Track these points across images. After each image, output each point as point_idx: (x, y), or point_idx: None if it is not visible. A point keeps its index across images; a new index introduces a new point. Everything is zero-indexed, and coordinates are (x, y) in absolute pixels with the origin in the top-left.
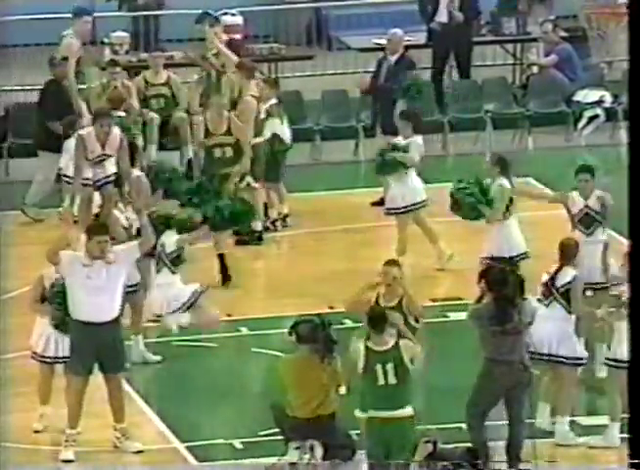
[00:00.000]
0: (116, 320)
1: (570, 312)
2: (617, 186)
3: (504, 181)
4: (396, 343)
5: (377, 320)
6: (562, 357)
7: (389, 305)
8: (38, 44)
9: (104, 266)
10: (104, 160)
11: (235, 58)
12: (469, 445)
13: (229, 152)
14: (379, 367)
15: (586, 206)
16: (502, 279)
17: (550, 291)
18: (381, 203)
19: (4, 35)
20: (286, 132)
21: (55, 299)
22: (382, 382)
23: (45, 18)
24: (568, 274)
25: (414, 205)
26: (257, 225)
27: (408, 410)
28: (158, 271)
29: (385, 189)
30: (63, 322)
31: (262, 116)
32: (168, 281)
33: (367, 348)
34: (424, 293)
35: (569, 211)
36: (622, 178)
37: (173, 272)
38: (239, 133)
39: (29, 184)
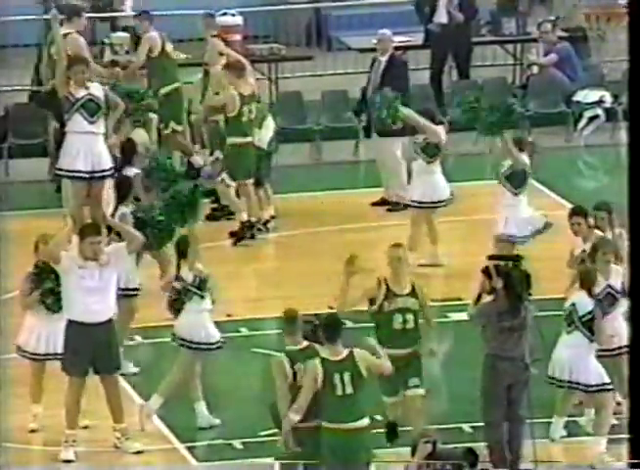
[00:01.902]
0: (110, 321)
1: (592, 341)
2: (617, 186)
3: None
4: (350, 352)
5: (332, 329)
6: (582, 385)
7: (404, 293)
8: (38, 44)
9: (97, 268)
10: (91, 100)
11: (227, 51)
12: (468, 445)
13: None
14: (336, 377)
15: (583, 251)
16: (508, 275)
17: (572, 319)
18: (381, 203)
19: (4, 35)
20: (263, 137)
21: (41, 281)
22: (340, 392)
23: (46, 18)
24: (588, 303)
25: (435, 202)
26: (243, 216)
27: (365, 421)
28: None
29: (384, 185)
30: (52, 303)
31: (252, 116)
32: (197, 308)
33: (323, 359)
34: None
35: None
36: (622, 178)
37: (202, 298)
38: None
39: (29, 184)
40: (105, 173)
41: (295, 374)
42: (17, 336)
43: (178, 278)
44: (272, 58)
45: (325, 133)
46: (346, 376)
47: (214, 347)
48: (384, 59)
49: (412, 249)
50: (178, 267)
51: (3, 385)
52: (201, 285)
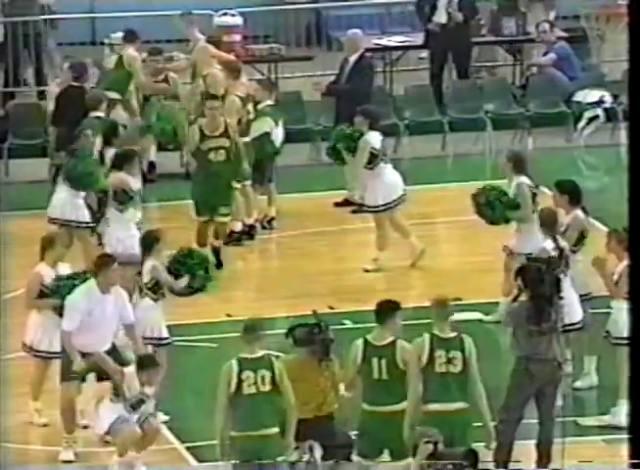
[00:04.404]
0: None
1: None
2: (617, 186)
3: (523, 178)
4: (393, 341)
5: (383, 313)
6: (575, 324)
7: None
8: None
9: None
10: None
11: (219, 54)
12: (470, 446)
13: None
14: (374, 361)
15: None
16: (538, 278)
17: (567, 262)
18: (345, 203)
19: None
20: (277, 135)
21: (60, 291)
22: (376, 376)
23: (46, 18)
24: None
25: (390, 202)
26: (237, 226)
27: (403, 404)
28: (141, 298)
29: (350, 188)
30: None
31: (251, 116)
32: (148, 305)
33: (366, 341)
34: (421, 293)
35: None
36: (622, 178)
37: (155, 300)
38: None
39: (29, 185)
40: None
41: (240, 382)
42: (16, 336)
43: (138, 273)
44: (272, 58)
45: (325, 133)
46: (384, 362)
47: (164, 342)
48: (352, 58)
49: (381, 249)
50: (141, 263)
51: (3, 385)
52: (153, 288)
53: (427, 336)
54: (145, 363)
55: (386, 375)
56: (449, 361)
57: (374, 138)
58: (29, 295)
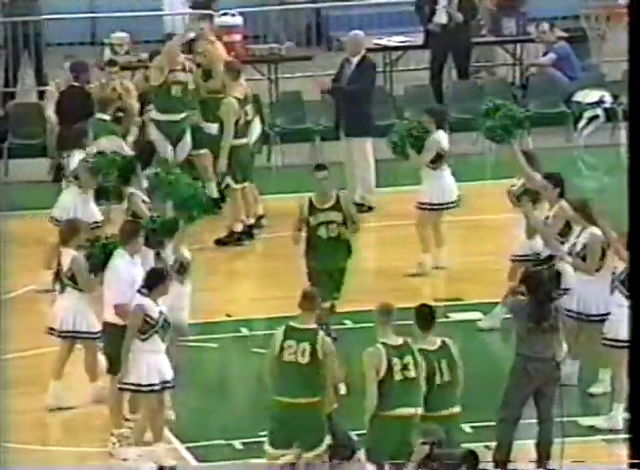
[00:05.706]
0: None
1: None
2: (617, 186)
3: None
4: (444, 342)
5: (425, 319)
6: (593, 316)
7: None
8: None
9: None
10: None
11: (218, 52)
12: (468, 446)
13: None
14: (435, 366)
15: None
16: (541, 282)
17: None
18: None
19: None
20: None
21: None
22: (439, 381)
23: (45, 18)
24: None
25: (448, 203)
26: (238, 227)
27: (459, 407)
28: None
29: (350, 188)
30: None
31: (249, 118)
32: (178, 291)
33: (420, 349)
34: (424, 293)
35: None
36: (622, 178)
37: (182, 283)
38: None
39: (29, 184)
40: None
41: (282, 349)
42: (16, 336)
43: (159, 257)
44: (272, 58)
45: (325, 133)
46: (444, 364)
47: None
48: (355, 59)
49: (426, 250)
50: (161, 245)
51: (3, 385)
52: (179, 270)
53: (380, 346)
54: (153, 277)
55: (448, 376)
56: (405, 367)
57: (443, 138)
58: (85, 276)
